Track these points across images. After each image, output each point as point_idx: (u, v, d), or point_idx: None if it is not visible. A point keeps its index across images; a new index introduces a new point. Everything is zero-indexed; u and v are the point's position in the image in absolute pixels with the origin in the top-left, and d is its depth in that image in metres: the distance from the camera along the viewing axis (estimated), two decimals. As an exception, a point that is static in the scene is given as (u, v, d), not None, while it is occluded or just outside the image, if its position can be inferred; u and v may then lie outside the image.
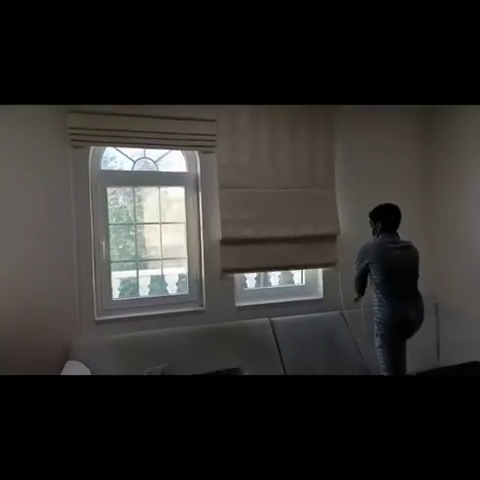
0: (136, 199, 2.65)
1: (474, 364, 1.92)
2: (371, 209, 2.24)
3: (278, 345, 2.52)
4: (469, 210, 2.78)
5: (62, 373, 1.99)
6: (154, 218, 2.67)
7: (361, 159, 2.94)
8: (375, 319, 2.06)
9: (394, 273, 2.01)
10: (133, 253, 2.65)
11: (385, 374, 2.01)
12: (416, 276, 2.10)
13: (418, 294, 2.09)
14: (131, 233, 2.67)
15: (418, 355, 2.21)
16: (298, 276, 3.01)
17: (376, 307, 2.07)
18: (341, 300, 2.69)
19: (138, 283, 2.66)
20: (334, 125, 2.84)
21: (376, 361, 2.41)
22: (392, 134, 3.03)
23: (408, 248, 2.09)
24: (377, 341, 2.05)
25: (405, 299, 2.02)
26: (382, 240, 2.10)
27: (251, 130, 2.63)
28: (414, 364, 2.11)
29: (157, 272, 2.73)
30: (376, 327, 2.05)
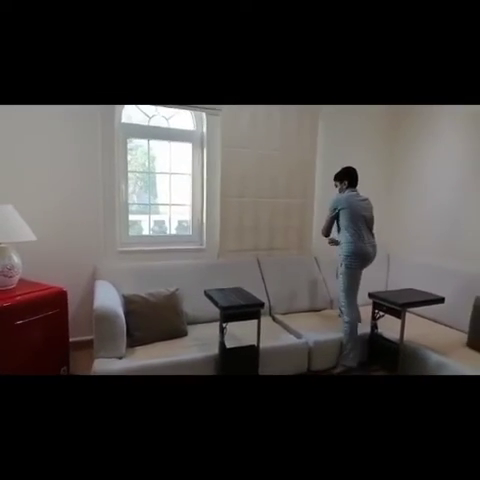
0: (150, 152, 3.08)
1: (409, 289, 2.65)
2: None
3: (262, 275, 3.16)
4: (420, 176, 3.46)
5: (96, 288, 2.48)
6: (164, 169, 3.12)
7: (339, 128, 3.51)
8: (343, 253, 2.58)
9: (359, 218, 2.58)
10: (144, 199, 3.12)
11: (342, 294, 2.60)
12: (373, 222, 2.71)
13: (373, 236, 2.70)
14: (141, 182, 3.12)
15: (372, 289, 2.87)
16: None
17: (343, 244, 2.59)
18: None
19: (150, 224, 3.16)
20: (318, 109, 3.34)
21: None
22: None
23: (367, 200, 2.70)
24: (341, 269, 2.60)
25: (365, 239, 2.61)
26: (349, 194, 2.66)
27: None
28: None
29: (162, 217, 3.23)
30: (342, 259, 2.58)
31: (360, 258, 2.57)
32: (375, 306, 2.55)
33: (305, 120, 3.34)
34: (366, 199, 2.69)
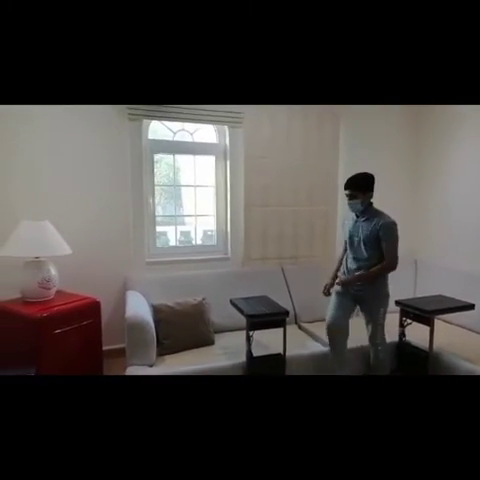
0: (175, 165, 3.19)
1: (437, 296, 2.61)
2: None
3: (287, 283, 3.18)
4: (447, 180, 3.40)
5: (127, 298, 2.59)
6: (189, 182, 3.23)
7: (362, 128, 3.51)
8: (386, 291, 2.29)
9: None
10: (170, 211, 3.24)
11: (382, 331, 2.32)
12: None
13: None
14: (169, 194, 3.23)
15: (400, 296, 2.81)
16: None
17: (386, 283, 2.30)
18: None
19: (176, 235, 3.26)
20: (339, 111, 3.38)
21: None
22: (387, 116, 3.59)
23: None
24: (383, 312, 2.30)
25: None
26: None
27: (272, 111, 3.15)
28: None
29: (188, 228, 3.34)
30: (383, 300, 2.29)
31: None
32: (403, 313, 2.52)
33: (326, 127, 3.36)
34: None
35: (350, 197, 2.24)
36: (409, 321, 2.50)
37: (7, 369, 1.56)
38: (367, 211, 2.26)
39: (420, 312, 2.36)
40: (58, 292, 2.41)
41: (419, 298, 2.62)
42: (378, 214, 2.25)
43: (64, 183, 2.71)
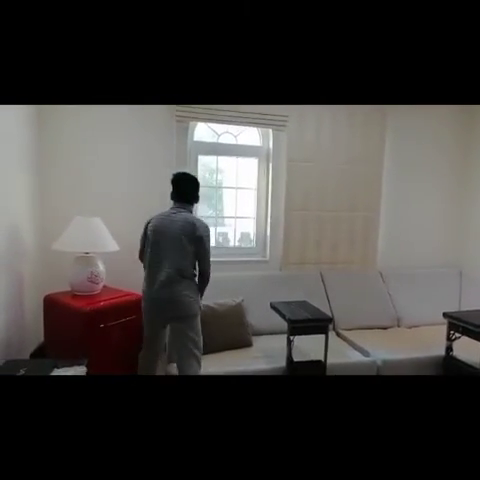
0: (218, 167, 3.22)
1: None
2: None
3: (325, 289, 3.14)
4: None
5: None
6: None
7: (408, 142, 3.40)
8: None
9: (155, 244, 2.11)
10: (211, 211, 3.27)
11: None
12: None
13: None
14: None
15: (444, 308, 2.70)
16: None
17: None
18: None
19: (216, 236, 3.28)
20: (386, 115, 3.29)
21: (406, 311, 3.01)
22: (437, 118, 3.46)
23: (182, 221, 2.10)
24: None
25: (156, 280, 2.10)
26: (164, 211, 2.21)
27: (316, 115, 3.11)
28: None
29: (226, 229, 3.36)
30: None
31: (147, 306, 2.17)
32: (451, 326, 2.42)
33: (371, 133, 3.28)
34: (184, 219, 2.13)
35: None
36: (458, 335, 2.38)
37: (62, 359, 1.62)
38: None
39: (472, 326, 2.24)
40: (104, 287, 2.49)
41: (469, 311, 2.49)
42: None
43: (113, 182, 2.81)
